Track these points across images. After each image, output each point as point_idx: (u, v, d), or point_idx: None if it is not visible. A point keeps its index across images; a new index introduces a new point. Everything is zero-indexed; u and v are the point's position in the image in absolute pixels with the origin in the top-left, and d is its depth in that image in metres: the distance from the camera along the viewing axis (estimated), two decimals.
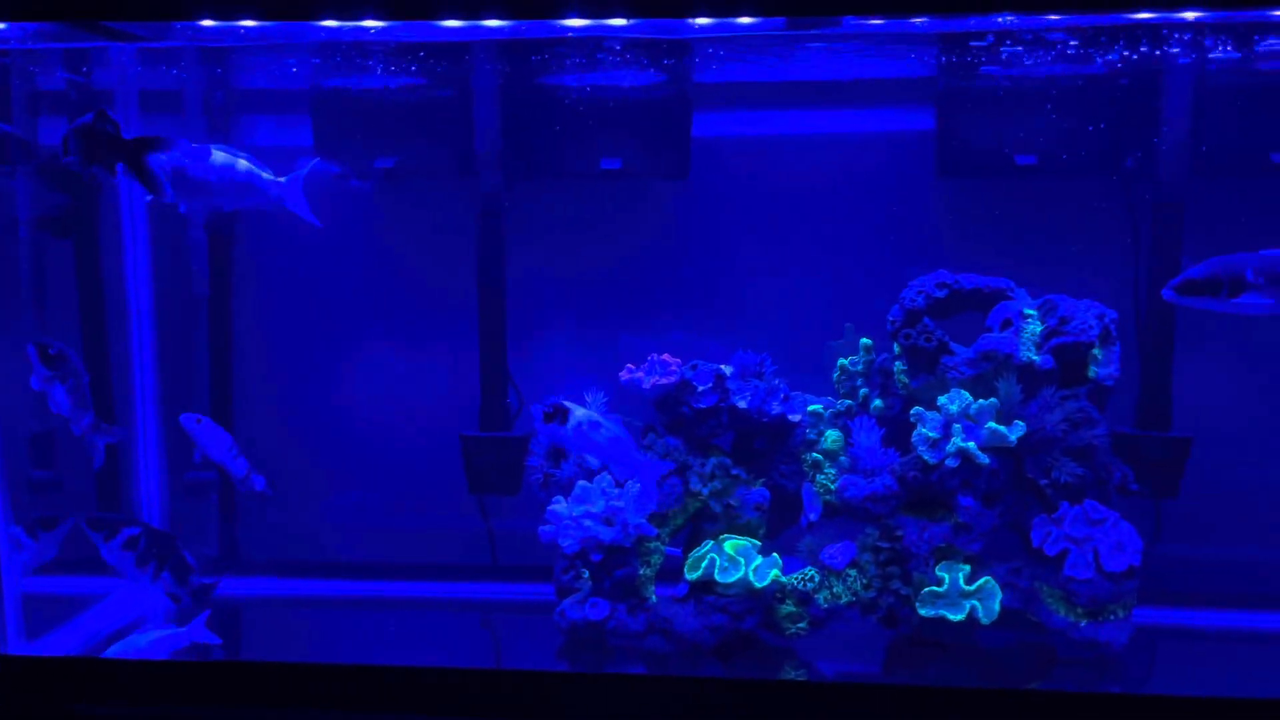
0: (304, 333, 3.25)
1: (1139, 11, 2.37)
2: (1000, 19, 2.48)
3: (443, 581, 3.16)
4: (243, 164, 2.53)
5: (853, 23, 2.43)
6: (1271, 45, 2.65)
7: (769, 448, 2.76)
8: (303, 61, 2.90)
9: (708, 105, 3.02)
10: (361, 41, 2.73)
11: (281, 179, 2.59)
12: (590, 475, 2.67)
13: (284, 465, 3.24)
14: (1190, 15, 2.45)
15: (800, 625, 2.64)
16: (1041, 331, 2.62)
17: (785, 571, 2.61)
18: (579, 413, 2.53)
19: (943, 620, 2.53)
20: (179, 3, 2.35)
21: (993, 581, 2.55)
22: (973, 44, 2.71)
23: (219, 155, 2.50)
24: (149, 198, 2.45)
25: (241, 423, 3.22)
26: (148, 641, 2.58)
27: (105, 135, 2.35)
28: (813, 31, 2.58)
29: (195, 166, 2.46)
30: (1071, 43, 2.70)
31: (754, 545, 2.64)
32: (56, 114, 2.98)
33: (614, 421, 2.57)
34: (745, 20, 2.42)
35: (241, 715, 2.43)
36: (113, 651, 2.56)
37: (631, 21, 2.44)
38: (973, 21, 2.52)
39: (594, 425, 2.53)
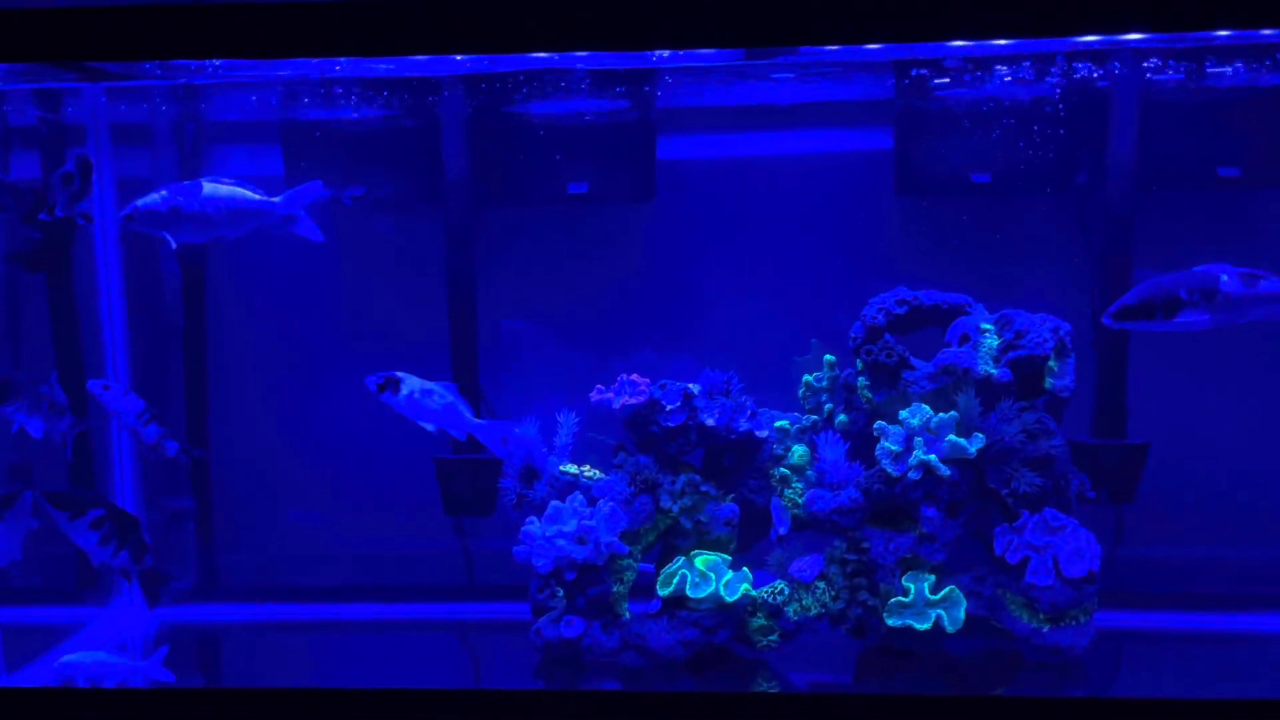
0: (279, 360, 3.29)
1: (1085, 35, 2.44)
2: (952, 45, 2.56)
3: (420, 603, 3.19)
4: (234, 190, 2.58)
5: (809, 51, 2.50)
6: (1212, 64, 2.74)
7: (737, 464, 2.82)
8: (272, 94, 2.95)
9: (672, 129, 3.09)
10: (330, 76, 2.78)
11: (275, 199, 2.64)
12: (564, 494, 2.72)
13: (261, 491, 3.29)
14: (1134, 37, 2.54)
15: (771, 638, 2.69)
16: (998, 345, 2.69)
17: (755, 585, 2.67)
18: (412, 382, 2.62)
19: (910, 629, 2.58)
20: (153, 43, 2.39)
21: (957, 590, 2.61)
22: (927, 69, 2.80)
23: (209, 187, 2.55)
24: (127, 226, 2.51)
25: (218, 451, 3.24)
26: (92, 660, 2.60)
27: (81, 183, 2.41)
28: (770, 61, 2.65)
29: (189, 202, 2.52)
30: (1023, 65, 2.79)
31: (724, 560, 2.69)
32: (28, 149, 3.01)
33: (446, 389, 2.65)
34: (706, 50, 2.50)
35: None
36: (62, 668, 2.58)
37: (595, 53, 2.51)
38: (926, 48, 2.60)
39: (426, 393, 2.63)
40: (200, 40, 2.39)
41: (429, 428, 2.72)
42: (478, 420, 2.72)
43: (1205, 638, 2.91)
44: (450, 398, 2.69)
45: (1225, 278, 2.49)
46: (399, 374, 2.66)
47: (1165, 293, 2.50)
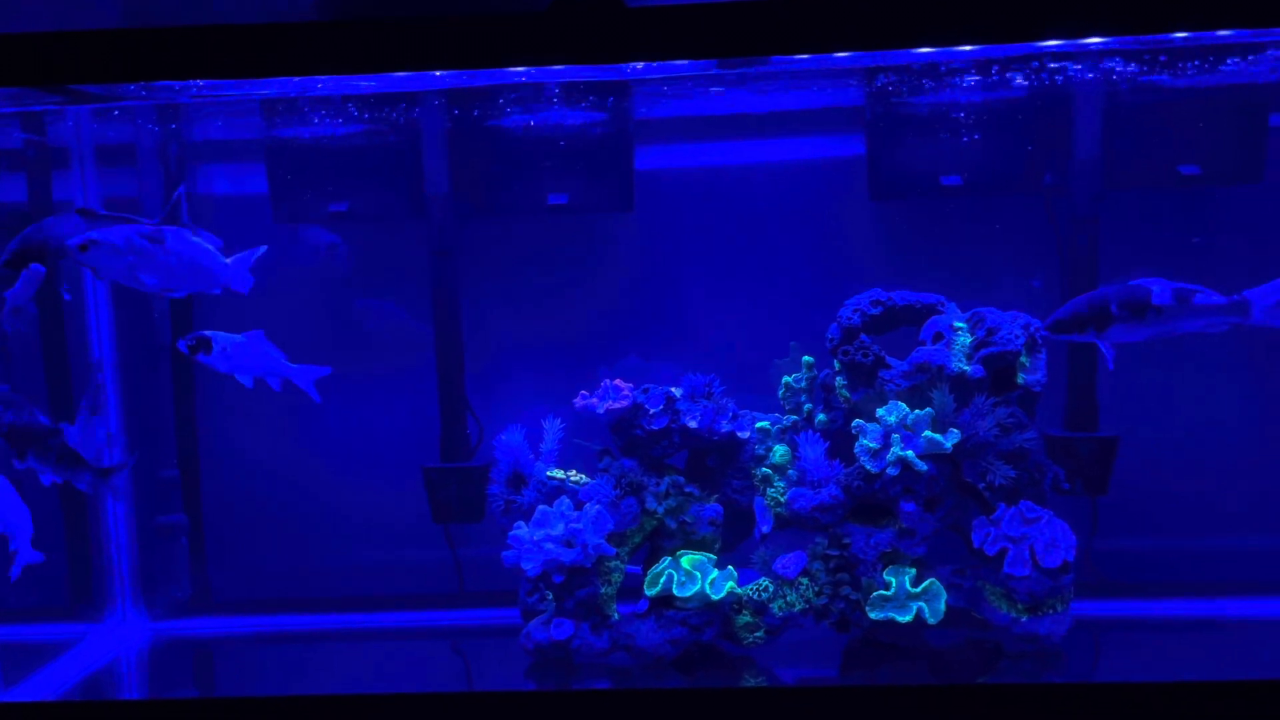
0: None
1: (1047, 40, 2.51)
2: (918, 51, 2.63)
3: (411, 611, 3.23)
4: (198, 245, 2.53)
5: (780, 61, 2.57)
6: (1171, 64, 2.82)
7: (720, 465, 2.88)
8: (255, 113, 3.00)
9: (649, 140, 3.15)
10: (311, 94, 2.83)
11: (228, 260, 2.60)
12: (551, 499, 2.77)
13: (250, 504, 3.32)
14: (1095, 40, 2.61)
15: (758, 634, 2.74)
16: (971, 343, 2.76)
17: (741, 583, 2.72)
18: (220, 338, 2.68)
19: (892, 622, 2.64)
20: (138, 65, 2.43)
21: (938, 583, 2.67)
22: (895, 75, 2.87)
23: (172, 235, 2.50)
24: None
25: (207, 464, 3.28)
26: None
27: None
28: (742, 71, 2.71)
29: (151, 248, 2.47)
30: (991, 69, 2.86)
31: (710, 559, 2.75)
32: (14, 172, 3.05)
33: (255, 337, 2.71)
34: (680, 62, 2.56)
35: None
36: None
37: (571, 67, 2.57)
38: (893, 55, 2.67)
39: (238, 346, 2.69)
40: (181, 61, 2.44)
41: (247, 381, 2.75)
42: (294, 365, 2.76)
43: (1179, 624, 2.98)
44: (267, 347, 2.73)
45: (1156, 290, 2.48)
46: (206, 333, 2.69)
47: (1096, 307, 2.50)
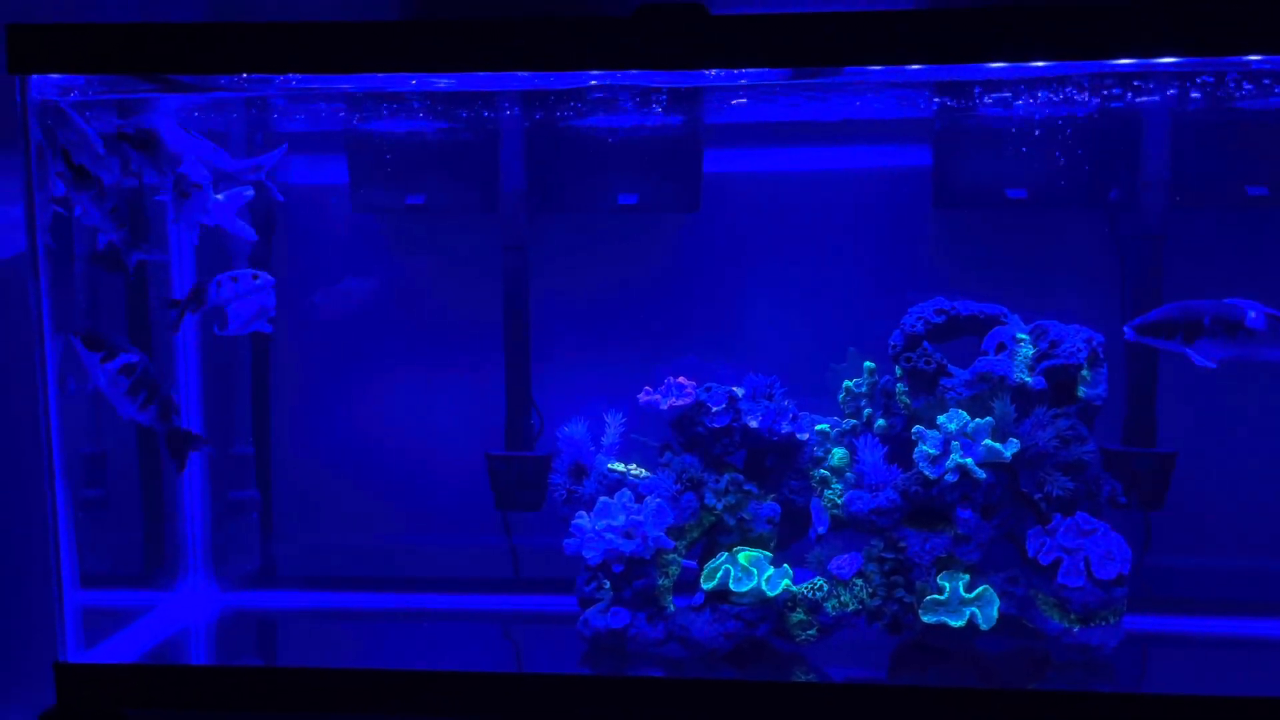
0: (341, 361, 3.43)
1: (1119, 59, 2.54)
2: (989, 65, 2.67)
3: (468, 594, 3.32)
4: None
5: (854, 71, 2.62)
6: (1242, 86, 2.84)
7: (779, 465, 2.93)
8: (338, 106, 3.10)
9: (718, 143, 3.21)
10: (393, 90, 2.93)
11: (220, 197, 2.80)
12: (612, 491, 2.84)
13: (321, 485, 3.43)
14: (1166, 60, 2.64)
15: (810, 632, 2.80)
16: (1033, 355, 2.79)
17: (795, 581, 2.77)
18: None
19: (944, 626, 2.68)
20: (229, 58, 2.54)
21: (991, 589, 2.71)
22: (966, 88, 2.91)
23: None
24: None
25: (278, 445, 3.39)
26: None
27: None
28: (817, 79, 2.76)
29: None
30: (1059, 86, 2.89)
31: (766, 557, 2.80)
32: (110, 156, 3.16)
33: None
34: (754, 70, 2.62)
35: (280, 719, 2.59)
36: None
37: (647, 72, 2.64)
38: (964, 69, 2.71)
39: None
40: (276, 55, 2.55)
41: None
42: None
43: (1232, 642, 2.99)
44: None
45: (1253, 314, 2.53)
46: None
47: (1189, 316, 2.54)
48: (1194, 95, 2.86)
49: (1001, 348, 2.79)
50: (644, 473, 2.88)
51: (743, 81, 2.76)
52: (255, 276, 2.87)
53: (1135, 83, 2.84)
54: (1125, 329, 2.66)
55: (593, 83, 2.77)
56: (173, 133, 2.77)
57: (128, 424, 2.81)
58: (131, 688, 2.67)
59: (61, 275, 2.79)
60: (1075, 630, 2.68)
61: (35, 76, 2.61)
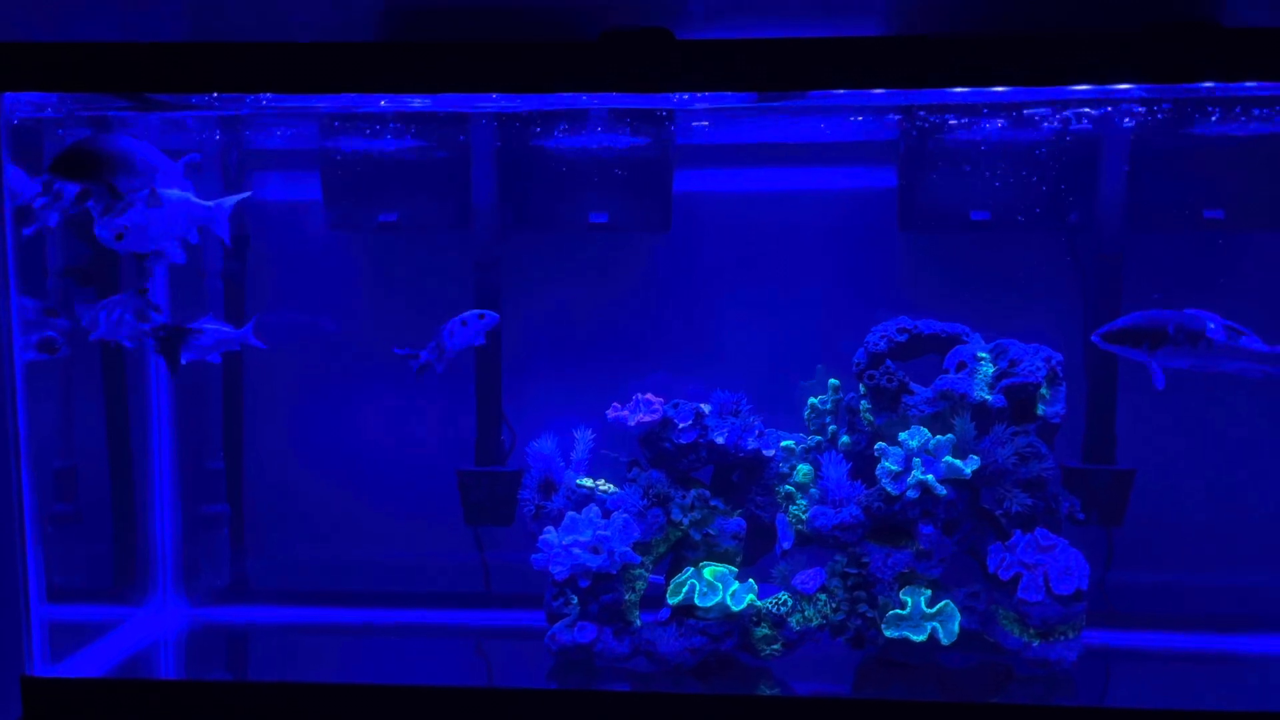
0: (312, 376, 3.45)
1: (1078, 85, 2.60)
2: (953, 90, 2.73)
3: (438, 609, 3.33)
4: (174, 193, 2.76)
5: (819, 95, 2.67)
6: (1199, 111, 2.91)
7: (745, 480, 2.97)
8: (312, 125, 3.13)
9: (688, 164, 3.25)
10: (367, 110, 2.97)
11: (209, 203, 2.83)
12: (580, 506, 2.87)
13: (292, 500, 3.44)
14: (1124, 87, 2.70)
15: (775, 646, 2.83)
16: (993, 373, 2.84)
17: (760, 596, 2.81)
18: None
19: (906, 641, 2.72)
20: (205, 78, 2.57)
21: (952, 604, 2.75)
22: (929, 113, 2.97)
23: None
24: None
25: (250, 460, 3.41)
26: None
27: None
28: (781, 103, 2.82)
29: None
30: (1022, 110, 2.96)
31: (731, 572, 2.83)
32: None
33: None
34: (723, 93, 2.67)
35: None
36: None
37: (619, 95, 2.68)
38: (928, 94, 2.77)
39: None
40: (253, 75, 2.58)
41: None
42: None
43: (1191, 657, 3.04)
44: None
45: (1212, 325, 2.61)
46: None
47: (1154, 325, 2.62)
48: (1153, 120, 2.93)
49: (962, 366, 2.84)
50: (612, 488, 2.92)
51: (704, 106, 2.81)
52: (481, 316, 2.91)
53: (1093, 110, 2.91)
54: (1093, 336, 2.72)
55: (561, 106, 2.81)
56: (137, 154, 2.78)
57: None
58: (98, 702, 2.68)
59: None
60: (1035, 645, 2.72)
61: (8, 95, 2.63)
